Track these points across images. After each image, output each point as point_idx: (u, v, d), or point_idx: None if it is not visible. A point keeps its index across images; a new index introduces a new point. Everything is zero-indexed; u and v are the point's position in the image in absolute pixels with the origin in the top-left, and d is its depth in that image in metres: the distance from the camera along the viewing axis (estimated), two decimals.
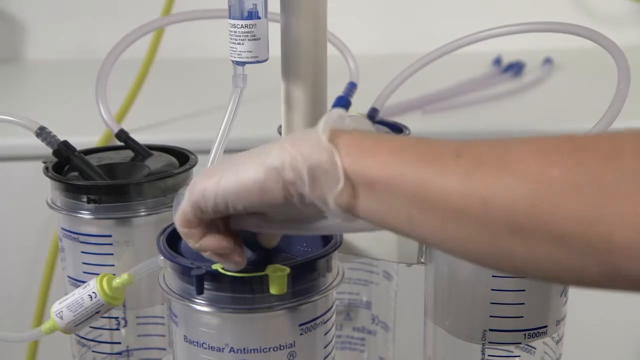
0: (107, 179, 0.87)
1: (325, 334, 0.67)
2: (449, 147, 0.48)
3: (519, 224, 0.45)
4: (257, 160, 0.55)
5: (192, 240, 0.60)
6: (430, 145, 0.49)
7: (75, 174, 0.87)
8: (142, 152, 0.93)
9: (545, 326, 0.77)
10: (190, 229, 0.60)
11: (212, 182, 0.57)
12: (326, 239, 0.68)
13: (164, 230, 0.70)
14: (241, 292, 0.63)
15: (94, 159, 0.90)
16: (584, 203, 0.42)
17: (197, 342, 0.65)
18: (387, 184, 0.49)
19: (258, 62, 0.78)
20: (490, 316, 0.75)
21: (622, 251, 0.41)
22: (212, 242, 0.60)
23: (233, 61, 0.78)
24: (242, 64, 0.78)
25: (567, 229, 0.43)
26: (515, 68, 1.68)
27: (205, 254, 0.61)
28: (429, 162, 0.48)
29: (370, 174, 0.50)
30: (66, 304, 0.70)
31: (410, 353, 0.98)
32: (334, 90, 0.93)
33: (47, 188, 0.87)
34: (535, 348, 0.80)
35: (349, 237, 0.81)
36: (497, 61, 1.73)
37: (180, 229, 0.61)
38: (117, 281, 0.72)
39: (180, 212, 0.60)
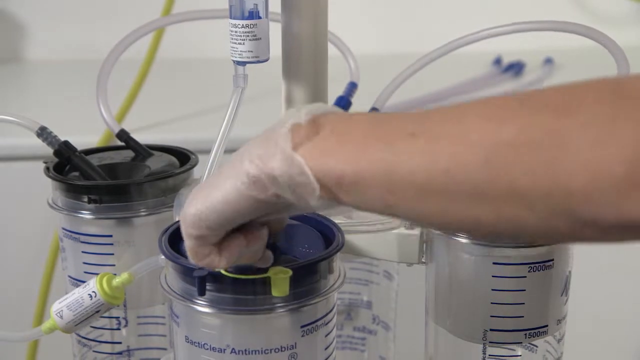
0: (108, 179, 0.87)
1: (327, 335, 0.67)
2: (403, 126, 0.49)
3: (481, 190, 0.46)
4: (233, 182, 0.55)
5: (216, 264, 0.60)
6: (385, 127, 0.50)
7: (76, 174, 0.87)
8: (143, 152, 0.93)
9: (546, 325, 0.77)
10: (205, 258, 0.60)
11: (192, 209, 0.57)
12: (328, 241, 0.68)
13: (166, 231, 0.70)
14: (243, 293, 0.63)
15: (94, 159, 0.90)
16: (540, 158, 0.43)
17: (199, 343, 0.65)
18: (355, 180, 0.51)
19: (259, 62, 0.78)
20: (491, 316, 0.75)
21: (583, 198, 0.42)
22: (232, 255, 0.60)
23: (234, 61, 0.78)
24: (243, 63, 0.78)
25: (527, 187, 0.44)
26: (516, 68, 1.68)
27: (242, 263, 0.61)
28: (388, 147, 0.49)
29: (338, 174, 0.51)
30: (66, 304, 0.70)
31: (411, 353, 0.98)
32: (335, 90, 0.93)
33: (47, 188, 0.87)
34: (537, 346, 0.80)
35: (350, 237, 0.81)
36: (497, 61, 1.73)
37: (201, 264, 0.60)
38: (117, 280, 0.72)
39: (189, 252, 0.60)
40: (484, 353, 0.78)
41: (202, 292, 0.63)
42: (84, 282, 0.75)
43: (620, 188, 0.41)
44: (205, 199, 0.57)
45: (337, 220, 0.72)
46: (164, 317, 0.89)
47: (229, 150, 0.79)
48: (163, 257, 0.68)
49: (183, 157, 0.91)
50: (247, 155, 0.55)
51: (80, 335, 0.88)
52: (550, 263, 0.75)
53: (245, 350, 0.63)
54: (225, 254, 0.59)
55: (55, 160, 0.87)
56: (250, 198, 0.55)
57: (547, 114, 0.44)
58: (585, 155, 0.42)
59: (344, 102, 1.00)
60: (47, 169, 0.86)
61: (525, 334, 0.77)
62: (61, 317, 0.70)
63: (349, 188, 0.51)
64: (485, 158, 0.45)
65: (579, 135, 0.43)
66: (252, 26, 0.76)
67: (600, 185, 0.42)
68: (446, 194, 0.47)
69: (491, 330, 0.76)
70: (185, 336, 0.66)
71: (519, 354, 0.81)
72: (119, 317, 0.87)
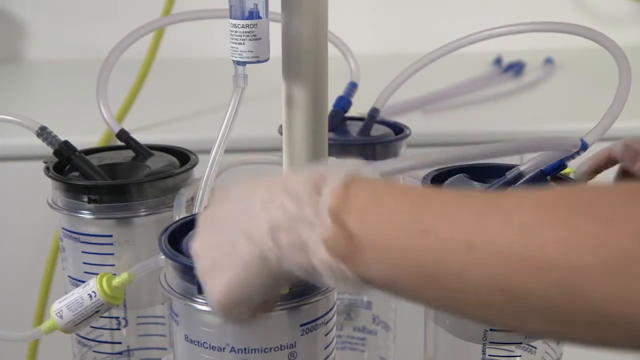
0: (108, 179, 0.87)
1: (326, 334, 0.67)
2: (451, 229, 0.46)
3: (558, 314, 0.44)
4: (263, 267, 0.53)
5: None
6: (427, 225, 0.47)
7: (76, 174, 0.87)
8: (143, 152, 0.93)
9: None
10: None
11: (221, 297, 0.56)
12: None
13: (166, 230, 0.70)
14: None
15: (94, 159, 0.90)
16: (629, 286, 0.41)
17: (198, 342, 0.65)
18: (393, 282, 0.48)
19: (259, 62, 0.78)
20: None
21: None
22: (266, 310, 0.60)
23: (234, 61, 0.78)
24: (243, 63, 0.78)
25: (614, 313, 0.42)
26: (516, 68, 1.68)
27: None
28: (436, 257, 0.46)
29: (381, 281, 0.49)
30: (66, 303, 0.70)
31: (411, 353, 0.98)
32: (335, 90, 0.92)
33: (47, 188, 0.87)
34: (536, 348, 0.80)
35: None
36: (498, 61, 1.73)
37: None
38: (116, 280, 0.72)
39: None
40: (484, 353, 0.78)
41: (201, 290, 0.63)
42: (84, 282, 0.75)
43: None
44: (232, 286, 0.55)
45: None
46: (163, 317, 0.89)
47: (229, 150, 0.79)
48: (163, 256, 0.68)
49: (183, 157, 0.91)
50: (275, 246, 0.51)
51: (80, 335, 0.88)
52: None
53: (245, 349, 0.63)
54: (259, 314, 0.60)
55: (55, 160, 0.87)
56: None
57: (627, 238, 0.42)
58: None
59: (344, 102, 1.00)
60: (47, 168, 0.86)
61: (525, 335, 0.77)
62: (61, 317, 0.70)
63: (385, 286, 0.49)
64: (561, 284, 0.43)
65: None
66: (252, 26, 0.76)
67: None
68: (515, 313, 0.45)
69: (491, 330, 0.76)
70: (185, 335, 0.66)
71: (518, 354, 0.81)
72: (118, 317, 0.87)
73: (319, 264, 0.49)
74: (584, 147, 0.75)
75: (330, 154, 0.78)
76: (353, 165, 0.52)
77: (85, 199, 0.83)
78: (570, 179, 0.81)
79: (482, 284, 0.45)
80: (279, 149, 0.80)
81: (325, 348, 0.67)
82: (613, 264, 0.41)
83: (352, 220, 0.48)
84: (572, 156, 0.76)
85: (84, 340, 0.89)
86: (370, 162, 0.64)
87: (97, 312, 0.70)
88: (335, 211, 0.49)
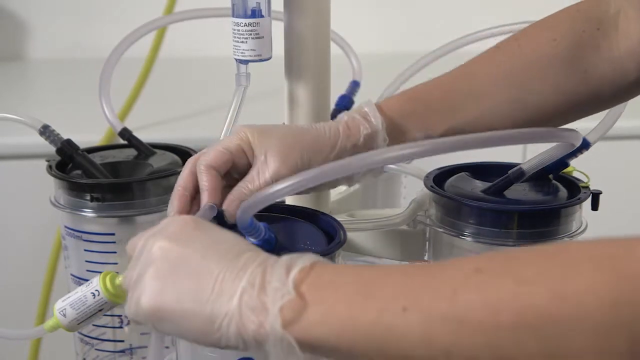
0: (111, 177, 0.87)
1: None
2: (393, 296, 0.50)
3: None
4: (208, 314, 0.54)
5: None
6: (375, 296, 0.50)
7: (79, 172, 0.87)
8: (145, 150, 0.93)
9: None
10: None
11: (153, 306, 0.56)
12: (330, 238, 0.68)
13: None
14: None
15: (97, 158, 0.90)
16: (546, 342, 0.45)
17: None
18: (348, 353, 0.51)
19: (261, 60, 0.78)
20: None
21: None
22: None
23: (236, 59, 0.78)
24: (246, 62, 0.78)
25: None
26: None
27: None
28: (379, 324, 0.49)
29: (331, 348, 0.51)
30: (69, 302, 0.70)
31: None
32: (337, 88, 0.93)
33: (50, 186, 0.87)
34: None
35: (352, 235, 0.81)
36: None
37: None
38: (120, 279, 0.72)
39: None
40: None
41: None
42: (86, 280, 0.75)
43: None
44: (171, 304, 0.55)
45: (339, 218, 0.72)
46: None
47: None
48: None
49: (185, 156, 0.91)
50: (237, 304, 0.53)
51: (82, 334, 0.88)
52: None
53: None
54: None
55: (58, 158, 0.87)
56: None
57: (542, 297, 0.45)
58: (591, 341, 0.44)
59: (346, 101, 1.00)
60: (50, 167, 0.86)
61: None
62: (64, 315, 0.70)
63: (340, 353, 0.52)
64: (488, 343, 0.46)
65: (583, 321, 0.44)
66: (254, 25, 0.76)
67: None
68: None
69: None
70: None
71: None
72: (121, 316, 0.87)
73: (270, 330, 0.52)
74: (587, 145, 0.75)
75: None
76: (319, 257, 0.55)
77: (88, 197, 0.83)
78: (573, 178, 0.80)
79: (416, 343, 0.48)
80: None
81: None
82: (530, 322, 0.45)
83: (308, 291, 0.52)
84: (575, 155, 0.76)
85: (86, 338, 0.89)
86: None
87: (100, 310, 0.70)
88: (297, 283, 0.52)
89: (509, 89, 0.75)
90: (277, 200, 0.61)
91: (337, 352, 0.52)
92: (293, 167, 0.68)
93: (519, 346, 0.45)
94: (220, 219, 0.67)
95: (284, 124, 0.83)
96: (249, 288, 0.53)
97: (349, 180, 0.74)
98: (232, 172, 0.70)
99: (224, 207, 0.68)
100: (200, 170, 0.68)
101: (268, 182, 0.67)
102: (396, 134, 0.74)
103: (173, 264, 0.56)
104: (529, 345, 0.45)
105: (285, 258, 0.54)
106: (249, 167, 0.70)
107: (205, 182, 0.68)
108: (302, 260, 0.53)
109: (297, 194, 0.69)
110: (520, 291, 0.46)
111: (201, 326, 0.54)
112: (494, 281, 0.47)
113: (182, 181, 0.69)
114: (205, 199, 0.67)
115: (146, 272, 0.56)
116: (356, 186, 0.94)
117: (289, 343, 0.51)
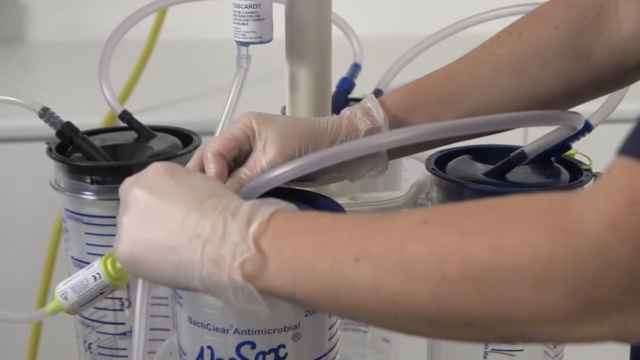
0: (111, 160, 0.87)
1: (330, 315, 0.67)
2: (348, 247, 0.52)
3: (430, 319, 0.50)
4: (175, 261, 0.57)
5: None
6: (331, 245, 0.53)
7: (79, 155, 0.87)
8: (146, 133, 0.92)
9: None
10: None
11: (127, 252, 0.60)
12: None
13: None
14: None
15: (97, 140, 0.90)
16: (485, 295, 0.47)
17: (202, 324, 0.65)
18: (305, 301, 0.54)
19: (262, 42, 0.77)
20: None
21: (526, 325, 0.47)
22: None
23: (237, 42, 0.77)
24: (246, 44, 0.78)
25: (474, 317, 0.48)
26: None
27: None
28: (335, 273, 0.51)
29: (287, 295, 0.54)
30: (70, 285, 0.70)
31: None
32: (338, 71, 0.92)
33: (50, 169, 0.87)
34: None
35: None
36: None
37: None
38: None
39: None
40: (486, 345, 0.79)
41: None
42: (87, 263, 0.75)
43: (568, 320, 0.45)
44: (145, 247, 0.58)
45: (340, 201, 0.72)
46: (167, 299, 0.89)
47: None
48: None
49: (186, 139, 0.91)
50: (199, 252, 0.55)
51: (83, 316, 0.88)
52: None
53: (249, 330, 0.63)
54: None
55: (58, 141, 0.87)
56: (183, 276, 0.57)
57: (484, 249, 0.46)
58: (527, 294, 0.45)
59: (347, 84, 1.00)
60: (50, 149, 0.86)
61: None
62: (65, 298, 0.70)
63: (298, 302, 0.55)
64: (432, 293, 0.48)
65: (519, 275, 0.45)
66: (255, 6, 0.75)
67: (545, 318, 0.46)
68: (395, 319, 0.51)
69: None
70: (189, 317, 0.66)
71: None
72: (122, 298, 0.87)
73: (229, 282, 0.54)
74: (589, 128, 0.75)
75: None
76: (283, 203, 0.58)
77: (88, 180, 0.83)
78: (575, 160, 0.80)
79: (366, 292, 0.50)
80: None
81: (329, 329, 0.67)
82: (472, 275, 0.47)
83: (266, 244, 0.54)
84: (577, 137, 0.76)
85: (87, 321, 0.89)
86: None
87: (101, 293, 0.70)
88: (257, 237, 0.54)
89: (512, 78, 0.74)
90: (277, 185, 0.62)
91: (295, 300, 0.54)
92: (290, 158, 0.68)
93: (461, 298, 0.47)
94: None
95: (284, 107, 0.83)
96: (211, 238, 0.55)
97: (351, 175, 0.74)
98: (237, 158, 0.70)
99: None
100: (207, 157, 0.69)
101: (264, 170, 0.68)
102: (400, 127, 0.74)
103: (143, 213, 0.59)
104: (470, 297, 0.47)
105: (246, 208, 0.56)
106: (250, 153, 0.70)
107: (212, 169, 0.68)
108: (261, 212, 0.55)
109: (296, 180, 0.69)
110: (463, 244, 0.47)
111: (170, 273, 0.57)
112: (439, 233, 0.49)
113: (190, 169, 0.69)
114: None
115: (121, 221, 0.60)
116: None
117: (250, 292, 0.54)
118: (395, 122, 0.74)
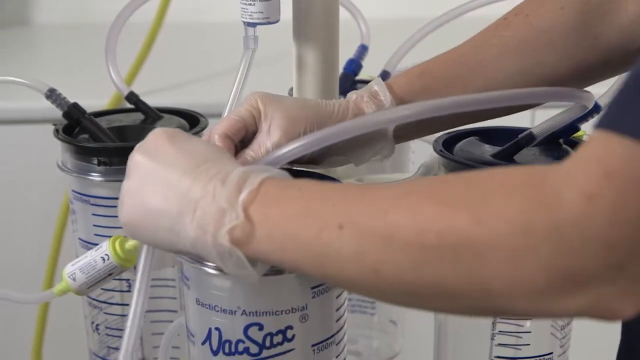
0: (118, 142, 0.86)
1: (338, 297, 0.67)
2: (332, 214, 0.53)
3: (409, 288, 0.50)
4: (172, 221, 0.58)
5: None
6: (316, 212, 0.54)
7: (86, 136, 0.87)
8: (152, 114, 0.92)
9: None
10: None
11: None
12: None
13: None
14: None
15: (103, 122, 0.90)
16: (462, 265, 0.47)
17: (209, 305, 0.65)
18: (291, 267, 0.56)
19: (269, 23, 0.77)
20: None
21: (505, 299, 0.47)
22: None
23: (244, 22, 0.77)
24: (253, 25, 0.78)
25: (451, 287, 0.49)
26: None
27: None
28: (317, 240, 0.53)
29: (274, 261, 0.56)
30: (79, 266, 0.70)
31: (422, 317, 0.98)
32: (345, 52, 0.92)
33: (57, 151, 0.87)
34: None
35: None
36: None
37: None
38: (129, 244, 0.72)
39: None
40: (494, 326, 0.79)
41: None
42: (94, 244, 0.75)
43: (543, 293, 0.46)
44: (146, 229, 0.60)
45: (348, 182, 0.72)
46: (174, 280, 0.89)
47: None
48: None
49: (193, 120, 0.91)
50: (197, 214, 0.56)
51: (91, 297, 0.89)
52: None
53: (256, 311, 0.63)
54: None
55: (65, 122, 0.87)
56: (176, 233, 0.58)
57: (463, 219, 0.47)
58: (503, 265, 0.46)
59: (354, 65, 1.00)
60: (57, 131, 0.86)
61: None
62: (74, 279, 0.70)
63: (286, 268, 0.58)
64: (412, 261, 0.49)
65: (495, 246, 0.46)
66: None
67: (521, 290, 0.46)
68: (376, 288, 0.52)
69: None
70: (196, 299, 0.66)
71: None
72: (129, 280, 0.87)
73: (216, 246, 0.56)
74: (598, 109, 0.74)
75: None
76: (275, 170, 0.59)
77: (95, 162, 0.83)
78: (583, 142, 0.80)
79: (349, 259, 0.51)
80: None
81: (337, 310, 0.67)
82: (451, 243, 0.47)
83: (254, 212, 0.55)
84: (586, 119, 0.76)
85: (94, 302, 0.89)
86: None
87: (109, 274, 0.70)
88: (246, 205, 0.55)
89: (518, 60, 0.75)
90: (280, 165, 0.62)
91: (283, 266, 0.57)
92: (294, 138, 0.68)
93: (439, 266, 0.48)
94: None
95: (291, 89, 0.83)
96: (201, 204, 0.56)
97: (356, 159, 0.74)
98: (244, 139, 0.70)
99: None
100: (214, 139, 0.69)
101: (269, 151, 0.68)
102: None
103: (142, 178, 0.60)
104: (447, 265, 0.48)
105: (237, 174, 0.57)
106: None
107: None
108: (251, 180, 0.56)
109: (301, 162, 0.69)
110: (443, 213, 0.48)
111: (166, 237, 0.59)
112: (421, 203, 0.50)
113: None
114: None
115: (124, 186, 0.62)
116: None
117: (238, 257, 0.56)
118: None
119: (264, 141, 0.69)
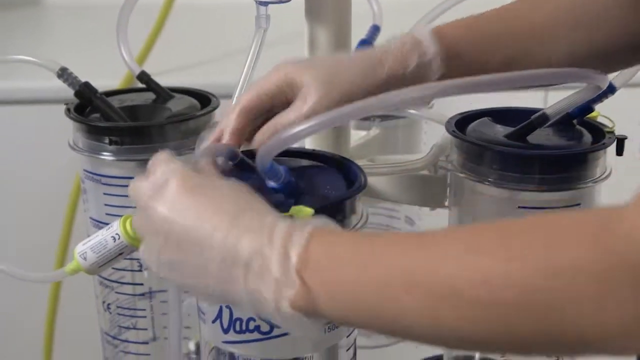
0: (129, 121, 0.86)
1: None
2: (393, 272, 0.50)
3: (487, 344, 0.50)
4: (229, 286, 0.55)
5: None
6: (375, 269, 0.51)
7: (97, 115, 0.87)
8: (164, 94, 0.92)
9: None
10: None
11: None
12: (350, 182, 0.68)
13: None
14: None
15: (115, 101, 0.89)
16: (545, 322, 0.46)
17: None
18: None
19: (281, 2, 0.77)
20: None
21: (596, 343, 0.46)
22: None
23: (256, 1, 0.77)
24: (265, 4, 0.77)
25: (543, 343, 0.47)
26: None
27: None
28: (380, 302, 0.51)
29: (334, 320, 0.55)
30: (90, 245, 0.70)
31: None
32: (357, 33, 0.91)
33: (69, 130, 0.87)
34: None
35: (372, 180, 0.80)
36: None
37: None
38: None
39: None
40: None
41: None
42: (105, 223, 0.75)
43: (628, 334, 0.45)
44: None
45: (359, 163, 0.72)
46: None
47: None
48: None
49: (204, 100, 0.90)
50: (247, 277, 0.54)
51: (102, 277, 0.89)
52: (577, 207, 0.74)
53: None
54: None
55: (76, 101, 0.87)
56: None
57: (539, 279, 0.46)
58: (590, 313, 0.45)
59: (366, 46, 0.99)
60: (68, 110, 0.86)
61: None
62: (85, 259, 0.70)
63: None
64: (487, 318, 0.47)
65: (577, 298, 0.45)
66: None
67: (607, 335, 0.45)
68: (453, 344, 0.54)
69: None
70: None
71: None
72: (140, 259, 0.87)
73: (280, 315, 0.53)
74: (612, 89, 0.74)
75: None
76: (317, 221, 0.55)
77: (107, 141, 0.83)
78: (598, 123, 0.79)
79: (417, 321, 0.50)
80: None
81: None
82: (526, 299, 0.46)
83: (309, 278, 0.52)
84: (600, 99, 0.75)
85: (106, 281, 0.89)
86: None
87: (120, 254, 0.70)
88: (299, 270, 0.52)
89: (572, 26, 0.73)
90: (297, 141, 0.61)
91: (347, 325, 0.57)
92: (333, 102, 0.66)
93: (524, 323, 0.46)
94: (240, 162, 0.66)
95: None
96: (253, 266, 0.53)
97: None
98: (274, 109, 0.68)
99: (255, 141, 0.68)
100: (233, 109, 0.68)
101: (305, 117, 0.65)
102: (453, 62, 0.72)
103: (177, 241, 0.56)
104: (535, 323, 0.46)
105: (281, 232, 0.53)
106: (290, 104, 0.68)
107: (232, 122, 0.68)
108: (297, 238, 0.53)
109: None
110: (512, 268, 0.46)
111: (218, 301, 0.60)
112: (489, 258, 0.48)
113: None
114: (226, 138, 0.67)
115: (153, 244, 0.58)
116: (376, 131, 0.94)
117: (299, 320, 0.53)
118: (448, 56, 0.71)
119: (300, 108, 0.66)
